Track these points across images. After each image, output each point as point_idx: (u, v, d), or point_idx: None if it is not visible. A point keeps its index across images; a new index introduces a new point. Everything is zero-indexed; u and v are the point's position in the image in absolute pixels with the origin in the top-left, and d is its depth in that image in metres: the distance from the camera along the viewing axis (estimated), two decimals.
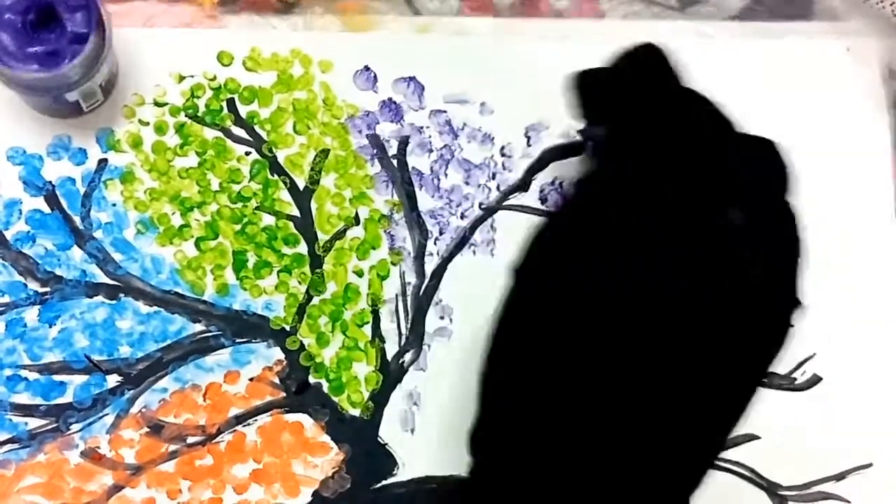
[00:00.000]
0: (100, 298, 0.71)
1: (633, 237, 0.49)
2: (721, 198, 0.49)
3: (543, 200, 0.76)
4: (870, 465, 0.74)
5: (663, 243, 0.49)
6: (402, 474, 0.72)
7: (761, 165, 0.52)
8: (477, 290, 0.74)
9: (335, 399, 0.72)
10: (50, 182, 0.72)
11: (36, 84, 0.66)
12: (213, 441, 0.71)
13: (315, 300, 0.73)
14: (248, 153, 0.74)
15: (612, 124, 0.51)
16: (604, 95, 0.52)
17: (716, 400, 0.51)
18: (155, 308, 0.72)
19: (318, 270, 0.73)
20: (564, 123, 0.77)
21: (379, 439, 0.72)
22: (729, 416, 0.53)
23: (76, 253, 0.72)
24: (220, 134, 0.74)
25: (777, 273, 0.51)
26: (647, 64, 0.53)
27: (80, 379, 0.70)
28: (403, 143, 0.76)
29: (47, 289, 0.71)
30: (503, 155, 0.77)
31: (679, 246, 0.48)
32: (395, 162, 0.76)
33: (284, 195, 0.74)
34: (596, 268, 0.49)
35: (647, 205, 0.49)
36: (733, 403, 0.53)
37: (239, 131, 0.75)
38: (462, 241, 0.75)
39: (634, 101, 0.52)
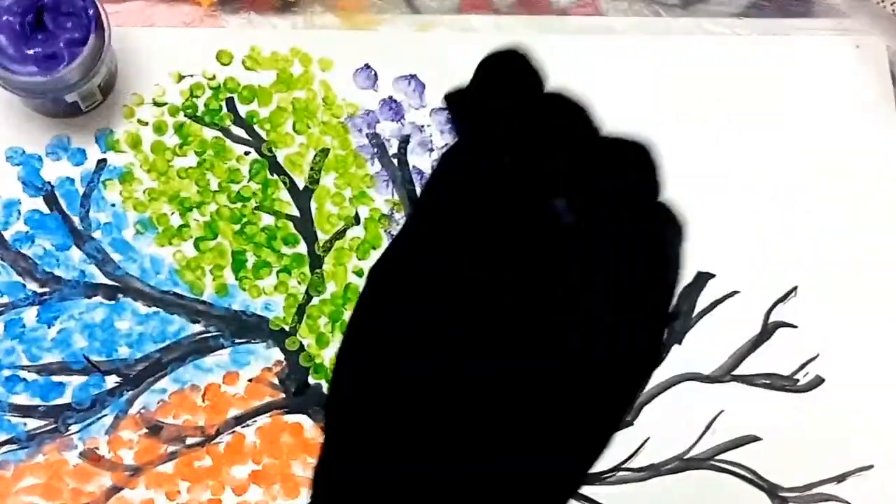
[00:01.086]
0: (98, 299, 0.71)
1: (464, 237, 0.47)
2: (555, 189, 0.46)
3: None
4: (871, 466, 0.73)
5: (492, 241, 0.46)
6: None
7: (622, 166, 0.48)
8: None
9: None
10: (49, 182, 0.72)
11: (34, 86, 0.66)
12: (213, 442, 0.70)
13: (315, 300, 0.73)
14: (247, 153, 0.74)
15: (471, 127, 0.49)
16: (467, 108, 0.50)
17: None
18: (154, 308, 0.71)
19: (317, 270, 0.73)
20: None
21: None
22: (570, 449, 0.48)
23: (75, 253, 0.71)
24: (219, 133, 0.74)
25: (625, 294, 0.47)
26: (507, 71, 0.51)
27: (78, 380, 0.70)
28: (404, 141, 0.76)
29: (46, 289, 0.71)
30: None
31: (504, 241, 0.46)
32: (395, 161, 0.75)
33: (284, 195, 0.74)
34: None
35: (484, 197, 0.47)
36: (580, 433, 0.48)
37: (238, 131, 0.74)
38: None
39: (493, 108, 0.49)
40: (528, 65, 0.51)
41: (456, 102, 0.51)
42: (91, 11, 0.66)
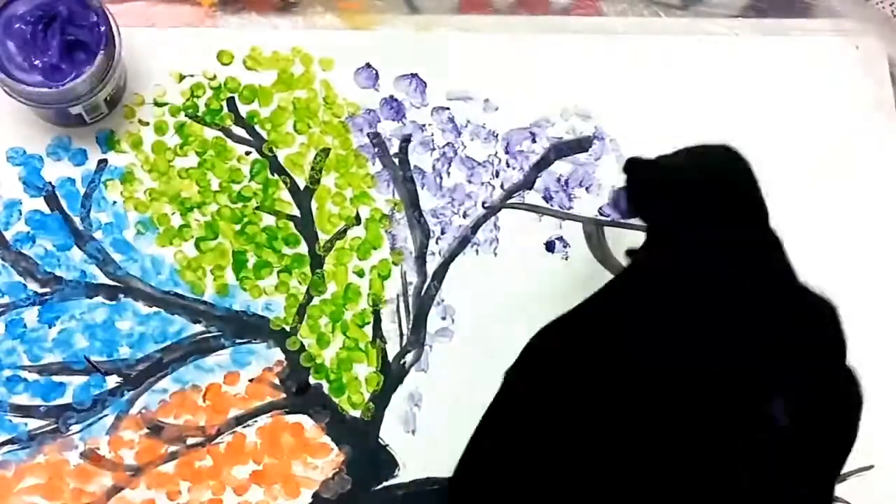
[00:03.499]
0: (99, 299, 0.71)
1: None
2: (768, 380, 0.46)
3: (547, 199, 0.76)
4: (871, 467, 0.73)
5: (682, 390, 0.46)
6: (403, 475, 0.71)
7: (817, 336, 0.48)
8: (479, 290, 0.74)
9: (336, 400, 0.72)
10: (50, 182, 0.72)
11: (38, 96, 0.66)
12: (213, 442, 0.70)
13: (315, 300, 0.73)
14: (248, 153, 0.74)
15: (664, 224, 0.48)
16: (656, 190, 0.49)
17: None
18: (155, 309, 0.71)
19: (318, 270, 0.73)
20: (569, 120, 0.77)
21: (380, 440, 0.72)
22: None
23: (76, 253, 0.71)
24: (220, 133, 0.74)
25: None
26: (716, 165, 0.50)
27: (79, 380, 0.70)
28: (405, 141, 0.76)
29: (47, 289, 0.71)
30: (507, 152, 0.76)
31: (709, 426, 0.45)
32: (396, 160, 0.75)
33: (285, 195, 0.74)
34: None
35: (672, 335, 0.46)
36: None
37: (239, 131, 0.74)
38: (464, 241, 0.75)
39: (692, 204, 0.48)
40: (744, 165, 0.49)
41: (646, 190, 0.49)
42: (103, 28, 0.66)
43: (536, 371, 0.50)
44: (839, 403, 0.48)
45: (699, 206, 0.48)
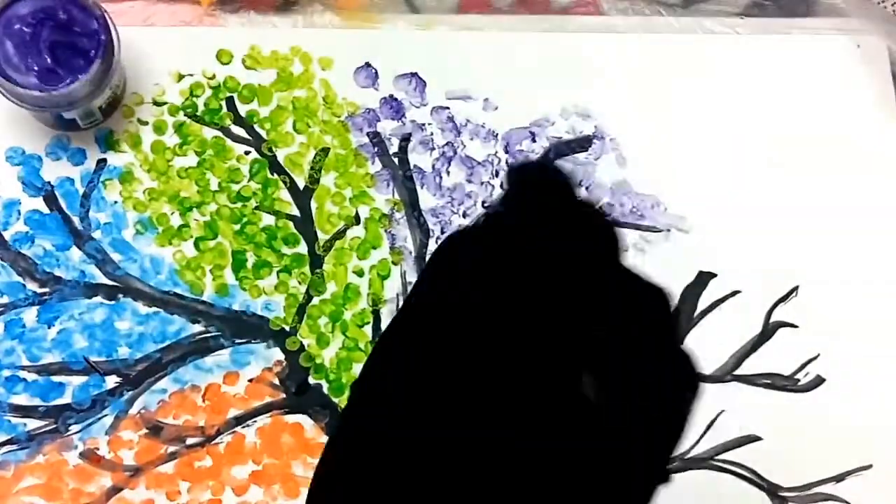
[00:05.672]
0: (99, 299, 0.71)
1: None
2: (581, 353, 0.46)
3: None
4: (869, 466, 0.74)
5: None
6: None
7: (643, 317, 0.48)
8: None
9: (335, 400, 0.72)
10: (49, 182, 0.72)
11: (32, 99, 0.66)
12: (213, 442, 0.70)
13: (315, 300, 0.73)
14: (247, 152, 0.74)
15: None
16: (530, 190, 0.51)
17: None
18: (154, 309, 0.71)
19: (318, 270, 0.73)
20: (568, 119, 0.77)
21: None
22: None
23: (75, 253, 0.71)
24: (219, 133, 0.74)
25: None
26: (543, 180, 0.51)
27: (78, 380, 0.70)
28: (404, 140, 0.76)
29: (46, 289, 0.71)
30: (507, 152, 0.76)
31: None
32: (396, 160, 0.75)
33: (284, 194, 0.74)
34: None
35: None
36: None
37: (238, 130, 0.74)
38: None
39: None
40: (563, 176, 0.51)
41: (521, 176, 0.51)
42: (102, 37, 0.66)
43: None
44: (661, 383, 0.47)
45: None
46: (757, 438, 0.73)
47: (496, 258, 0.46)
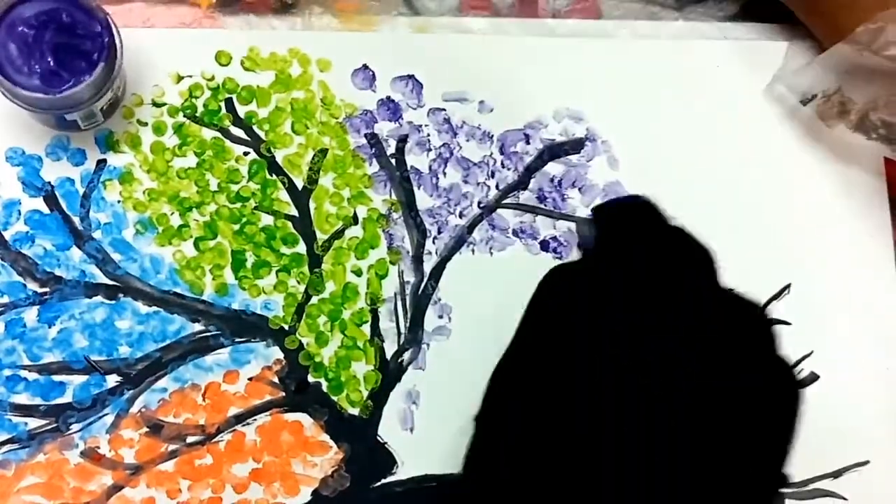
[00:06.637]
0: (99, 299, 0.71)
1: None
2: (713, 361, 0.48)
3: (541, 199, 0.76)
4: (867, 462, 0.74)
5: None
6: (402, 473, 0.72)
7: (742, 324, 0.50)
8: (476, 289, 0.74)
9: (334, 398, 0.72)
10: (49, 182, 0.72)
11: (33, 101, 0.66)
12: (213, 441, 0.71)
13: (314, 300, 0.73)
14: (246, 153, 0.75)
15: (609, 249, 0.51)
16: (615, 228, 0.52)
17: None
18: (154, 308, 0.72)
19: (316, 270, 0.74)
20: (561, 122, 0.77)
21: (378, 438, 0.72)
22: None
23: (75, 253, 0.72)
24: (218, 134, 0.74)
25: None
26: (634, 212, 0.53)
27: (79, 379, 0.70)
28: (402, 141, 0.76)
29: (46, 289, 0.71)
30: (502, 153, 0.77)
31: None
32: (393, 161, 0.76)
33: (283, 195, 0.74)
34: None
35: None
36: None
37: (237, 131, 0.75)
38: (461, 240, 0.75)
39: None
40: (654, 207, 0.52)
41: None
42: (106, 40, 0.66)
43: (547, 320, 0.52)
44: (776, 397, 0.49)
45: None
46: None
47: (603, 293, 0.47)
